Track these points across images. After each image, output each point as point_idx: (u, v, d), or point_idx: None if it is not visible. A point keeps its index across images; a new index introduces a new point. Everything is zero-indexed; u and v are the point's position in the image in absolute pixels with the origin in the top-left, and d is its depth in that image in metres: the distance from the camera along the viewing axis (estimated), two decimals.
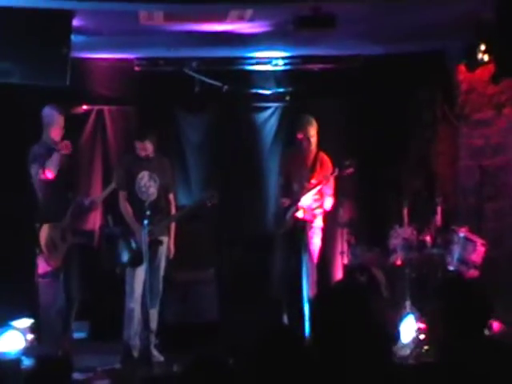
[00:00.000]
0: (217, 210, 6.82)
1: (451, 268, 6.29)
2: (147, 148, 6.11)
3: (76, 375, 4.41)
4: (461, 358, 2.86)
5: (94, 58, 7.14)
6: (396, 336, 5.89)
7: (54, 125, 5.97)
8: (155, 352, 6.09)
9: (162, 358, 6.07)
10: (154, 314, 6.11)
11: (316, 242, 6.65)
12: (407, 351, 5.83)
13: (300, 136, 6.63)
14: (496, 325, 5.84)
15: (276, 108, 7.78)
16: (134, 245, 6.01)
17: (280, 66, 7.43)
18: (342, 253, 6.96)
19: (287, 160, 6.89)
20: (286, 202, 6.66)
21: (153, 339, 6.07)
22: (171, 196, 6.35)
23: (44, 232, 5.88)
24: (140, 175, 6.15)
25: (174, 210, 6.33)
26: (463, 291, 3.05)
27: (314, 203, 6.62)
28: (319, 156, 6.70)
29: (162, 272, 6.16)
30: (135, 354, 6.03)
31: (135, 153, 6.15)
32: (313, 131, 6.63)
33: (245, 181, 7.59)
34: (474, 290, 3.07)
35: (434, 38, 6.86)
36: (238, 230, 7.39)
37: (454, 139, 7.57)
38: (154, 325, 6.11)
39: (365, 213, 7.40)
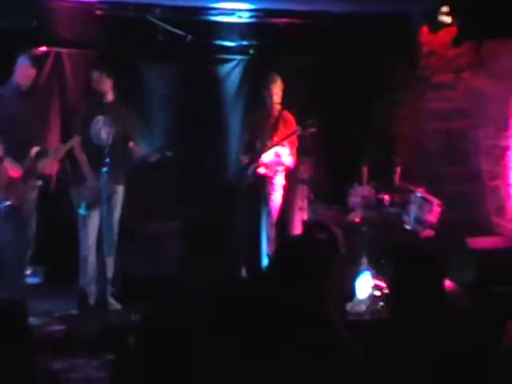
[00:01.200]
0: (178, 162, 6.80)
1: (407, 227, 6.35)
2: (105, 83, 6.03)
3: (31, 320, 4.20)
4: (413, 320, 2.86)
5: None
6: (352, 292, 5.96)
7: (24, 76, 5.92)
8: (112, 300, 6.06)
9: (118, 306, 6.05)
10: (110, 262, 6.08)
11: (276, 198, 6.69)
12: (363, 307, 5.91)
13: (264, 93, 6.62)
14: (448, 284, 5.68)
15: (240, 61, 7.70)
16: (85, 192, 5.96)
17: (245, 18, 7.32)
18: (301, 209, 7.02)
19: (252, 118, 6.88)
20: (246, 159, 6.68)
21: (109, 287, 6.04)
22: (131, 144, 6.22)
23: (4, 168, 5.79)
24: (95, 120, 6.06)
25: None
26: (414, 255, 3.05)
27: (276, 160, 6.62)
28: (283, 114, 6.70)
29: (116, 220, 6.09)
30: (91, 301, 6.00)
31: (93, 97, 6.06)
32: (277, 89, 6.62)
33: (206, 134, 7.53)
34: (424, 252, 3.09)
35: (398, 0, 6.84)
36: (200, 184, 7.35)
37: (416, 102, 7.54)
38: (109, 273, 6.09)
39: (325, 171, 7.39)
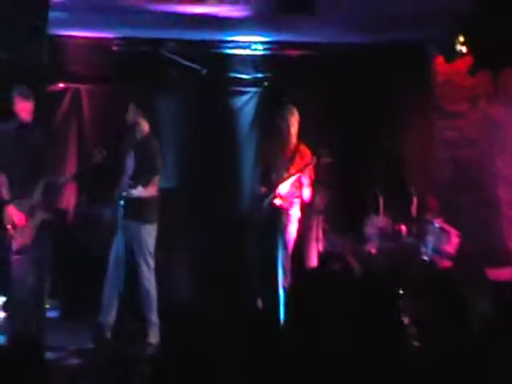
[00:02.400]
0: (192, 193, 6.90)
1: (425, 258, 6.34)
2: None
3: (47, 354, 4.12)
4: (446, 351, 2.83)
5: (72, 36, 7.06)
6: None
7: (21, 109, 5.87)
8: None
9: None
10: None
11: (292, 230, 6.60)
12: None
13: (281, 125, 6.61)
14: None
15: (254, 93, 7.76)
16: None
17: (259, 50, 7.41)
18: (317, 240, 6.92)
19: (267, 150, 6.86)
20: (264, 189, 6.63)
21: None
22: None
23: (9, 212, 5.81)
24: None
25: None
26: (451, 291, 3.00)
27: (292, 192, 6.58)
28: (299, 147, 6.65)
29: None
30: (108, 334, 5.97)
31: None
32: (294, 121, 6.58)
33: (220, 165, 7.55)
34: (459, 290, 3.03)
35: (413, 29, 6.80)
36: (213, 214, 7.34)
37: (428, 131, 7.56)
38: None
39: (341, 200, 7.30)
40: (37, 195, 5.88)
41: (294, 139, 6.64)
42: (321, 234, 6.95)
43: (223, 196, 7.56)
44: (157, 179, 6.07)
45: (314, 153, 6.54)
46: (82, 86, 7.31)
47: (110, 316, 6.04)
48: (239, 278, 6.84)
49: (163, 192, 6.36)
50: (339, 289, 2.81)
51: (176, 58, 7.16)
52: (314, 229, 7.06)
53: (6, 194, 5.83)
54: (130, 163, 6.12)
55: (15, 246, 5.77)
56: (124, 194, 5.85)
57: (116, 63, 7.13)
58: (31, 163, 5.89)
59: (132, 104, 6.08)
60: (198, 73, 7.28)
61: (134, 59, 7.13)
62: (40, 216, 5.87)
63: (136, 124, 6.11)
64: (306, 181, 6.56)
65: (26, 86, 5.88)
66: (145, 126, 6.17)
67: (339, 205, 7.28)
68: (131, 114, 6.08)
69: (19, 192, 5.83)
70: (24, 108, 5.85)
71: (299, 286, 2.90)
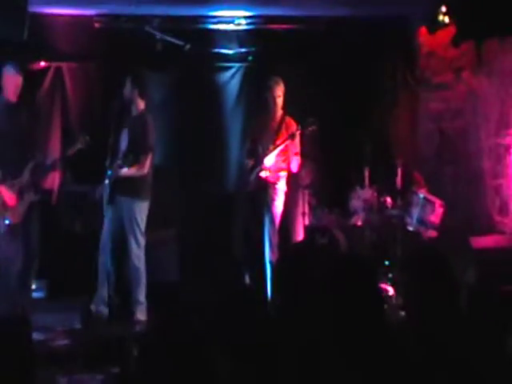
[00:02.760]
0: (178, 170, 6.82)
1: (410, 229, 6.33)
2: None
3: (35, 335, 4.21)
4: (429, 323, 2.84)
5: (53, 14, 6.96)
6: None
7: (12, 85, 5.87)
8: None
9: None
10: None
11: (278, 204, 6.60)
12: None
13: (266, 96, 6.56)
14: None
15: (238, 68, 7.68)
16: None
17: (243, 25, 7.34)
18: (303, 214, 6.89)
19: (253, 123, 6.84)
20: (250, 162, 6.61)
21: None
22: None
23: (0, 193, 5.81)
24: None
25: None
26: (438, 266, 2.97)
27: (279, 164, 6.57)
28: (285, 119, 6.63)
29: None
30: (95, 314, 5.97)
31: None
32: (279, 92, 6.56)
33: (206, 141, 7.50)
34: (444, 259, 3.01)
35: (396, 1, 6.81)
36: (199, 191, 7.28)
37: (414, 104, 7.52)
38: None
39: (326, 174, 7.31)
40: (26, 176, 5.85)
41: (279, 111, 6.63)
42: (307, 208, 6.91)
43: (210, 172, 7.52)
44: (150, 157, 6.01)
45: (298, 122, 6.50)
46: (64, 65, 7.20)
47: (100, 295, 6.01)
48: (226, 254, 6.82)
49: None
50: (325, 262, 2.82)
51: (159, 34, 7.08)
52: (300, 203, 7.03)
53: None
54: (123, 140, 6.05)
55: (4, 226, 5.76)
56: (115, 172, 5.81)
57: (99, 40, 7.05)
58: (20, 144, 5.87)
59: (128, 79, 6.01)
60: (182, 48, 7.20)
61: (116, 36, 7.05)
62: (29, 197, 5.86)
63: (132, 100, 6.04)
64: (293, 150, 6.52)
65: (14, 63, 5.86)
66: (140, 103, 6.10)
67: (325, 179, 7.27)
68: (127, 89, 6.01)
69: (9, 173, 5.81)
70: (13, 84, 5.82)
71: (286, 260, 2.91)
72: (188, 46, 7.20)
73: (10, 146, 5.83)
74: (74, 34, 7.03)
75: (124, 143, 6.03)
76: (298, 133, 6.44)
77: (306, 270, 2.76)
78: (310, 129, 6.44)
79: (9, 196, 5.79)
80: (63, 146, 6.78)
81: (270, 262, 6.38)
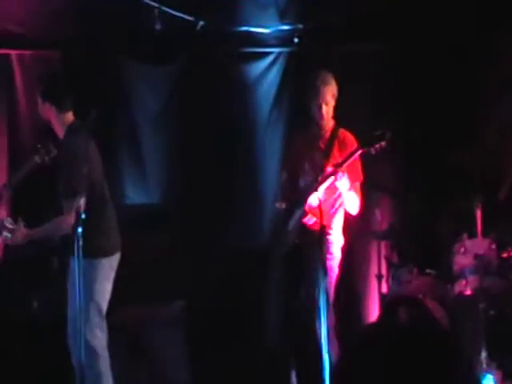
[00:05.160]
0: (184, 213, 6.57)
1: None
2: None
3: None
4: None
5: None
6: None
7: None
8: None
9: None
10: None
11: (335, 263, 5.98)
12: None
13: (309, 103, 5.94)
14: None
15: (278, 55, 7.10)
16: None
17: None
18: (378, 277, 6.53)
19: (293, 143, 6.28)
20: (282, 204, 6.05)
21: None
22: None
23: None
24: None
25: None
26: None
27: (332, 203, 5.92)
28: (338, 134, 5.99)
29: None
30: None
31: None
32: (329, 95, 5.89)
33: (229, 170, 7.02)
34: None
35: None
36: (219, 246, 6.86)
37: None
38: None
39: (412, 216, 6.82)
40: None
41: (329, 123, 5.98)
42: (384, 269, 6.60)
43: (229, 219, 7.04)
44: (78, 202, 5.28)
45: (361, 139, 5.84)
46: (13, 52, 6.86)
47: None
48: (256, 343, 6.40)
49: (140, 210, 6.27)
50: (417, 356, 2.29)
51: (159, 5, 6.47)
52: (373, 260, 6.84)
53: None
54: None
55: None
56: None
57: (65, 18, 6.48)
58: None
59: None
60: (193, 28, 6.65)
61: (91, 11, 6.47)
62: None
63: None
64: (350, 183, 5.84)
65: None
66: (65, 116, 5.44)
67: (412, 222, 6.86)
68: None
69: None
70: None
71: (352, 358, 2.41)
72: (201, 24, 6.64)
73: None
74: (28, 11, 6.57)
75: None
76: (360, 153, 5.79)
77: (386, 371, 2.26)
78: (377, 146, 5.67)
79: None
80: (10, 165, 6.62)
81: (328, 354, 5.59)
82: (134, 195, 6.90)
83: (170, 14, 6.58)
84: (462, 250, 6.12)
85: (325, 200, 5.74)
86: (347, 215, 5.96)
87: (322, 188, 5.72)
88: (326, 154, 5.95)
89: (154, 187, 6.93)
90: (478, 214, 6.04)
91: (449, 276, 6.27)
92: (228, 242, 6.92)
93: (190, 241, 6.83)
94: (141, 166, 7.00)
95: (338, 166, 5.72)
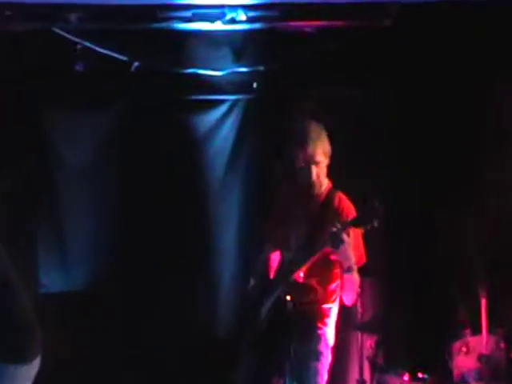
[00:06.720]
0: (132, 295, 6.37)
1: None
2: None
3: None
4: None
5: None
6: None
7: None
8: None
9: None
10: None
11: (320, 367, 5.45)
12: None
13: (295, 161, 5.46)
14: None
15: (234, 103, 6.85)
16: None
17: (243, 19, 6.15)
18: (360, 383, 6.19)
19: (278, 209, 5.79)
20: (253, 282, 5.67)
21: None
22: None
23: None
24: None
25: None
26: None
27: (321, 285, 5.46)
28: (333, 197, 5.55)
29: None
30: None
31: None
32: (320, 152, 5.48)
33: (176, 245, 6.74)
34: None
35: None
36: (166, 343, 6.56)
37: None
38: None
39: (403, 304, 6.59)
40: None
41: (322, 185, 5.53)
42: (367, 371, 6.27)
43: (187, 300, 6.74)
44: None
45: (359, 207, 5.46)
46: None
47: None
48: None
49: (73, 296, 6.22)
50: None
51: (81, 41, 6.17)
52: (355, 359, 6.54)
53: None
54: None
55: None
56: None
57: None
58: None
59: None
60: (126, 68, 6.37)
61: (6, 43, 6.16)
62: None
63: None
64: (347, 262, 5.40)
65: None
66: None
67: (401, 312, 6.60)
68: None
69: None
70: None
71: None
72: (136, 65, 6.38)
73: None
74: None
75: None
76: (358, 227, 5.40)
77: None
78: (372, 225, 5.27)
79: None
80: None
81: None
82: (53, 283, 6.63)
83: (97, 51, 6.10)
84: (464, 349, 5.91)
85: (317, 282, 5.38)
86: (341, 301, 5.52)
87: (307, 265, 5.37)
88: (317, 223, 5.53)
89: (75, 273, 6.65)
90: (483, 301, 5.75)
91: (448, 382, 5.99)
92: (178, 340, 6.62)
93: (133, 337, 6.56)
94: (60, 247, 6.72)
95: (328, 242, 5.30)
